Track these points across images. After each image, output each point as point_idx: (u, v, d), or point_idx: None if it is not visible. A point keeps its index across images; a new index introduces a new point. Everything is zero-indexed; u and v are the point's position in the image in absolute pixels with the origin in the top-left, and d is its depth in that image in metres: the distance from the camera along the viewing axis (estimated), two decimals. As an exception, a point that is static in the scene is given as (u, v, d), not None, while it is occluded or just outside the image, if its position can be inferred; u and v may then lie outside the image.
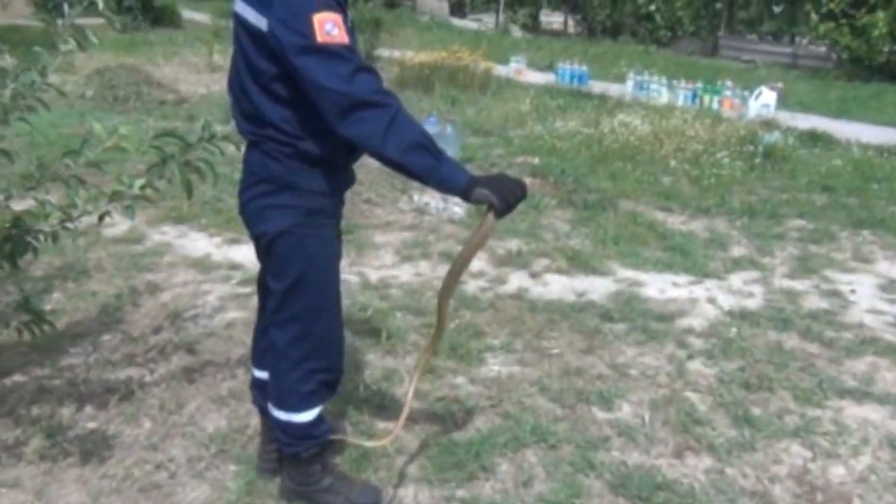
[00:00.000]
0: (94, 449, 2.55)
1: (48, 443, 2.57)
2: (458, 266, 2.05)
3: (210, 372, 3.04)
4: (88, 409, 2.77)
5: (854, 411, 2.90)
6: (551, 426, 2.72)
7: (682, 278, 4.13)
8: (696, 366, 3.18)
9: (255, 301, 3.61)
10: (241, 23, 1.90)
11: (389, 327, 3.41)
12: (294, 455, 2.22)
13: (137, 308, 3.59)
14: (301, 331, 2.07)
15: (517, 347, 3.29)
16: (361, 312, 3.56)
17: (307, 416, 2.16)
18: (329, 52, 1.76)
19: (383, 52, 11.51)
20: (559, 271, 4.17)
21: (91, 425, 2.69)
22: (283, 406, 2.16)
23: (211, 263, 4.11)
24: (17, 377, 2.95)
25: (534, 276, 4.10)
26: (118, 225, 4.56)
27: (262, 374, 2.32)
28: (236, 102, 2.00)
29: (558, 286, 3.97)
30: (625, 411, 2.84)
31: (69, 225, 2.28)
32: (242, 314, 3.53)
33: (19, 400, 2.79)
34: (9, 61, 2.24)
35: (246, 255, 4.24)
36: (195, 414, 2.77)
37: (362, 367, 3.09)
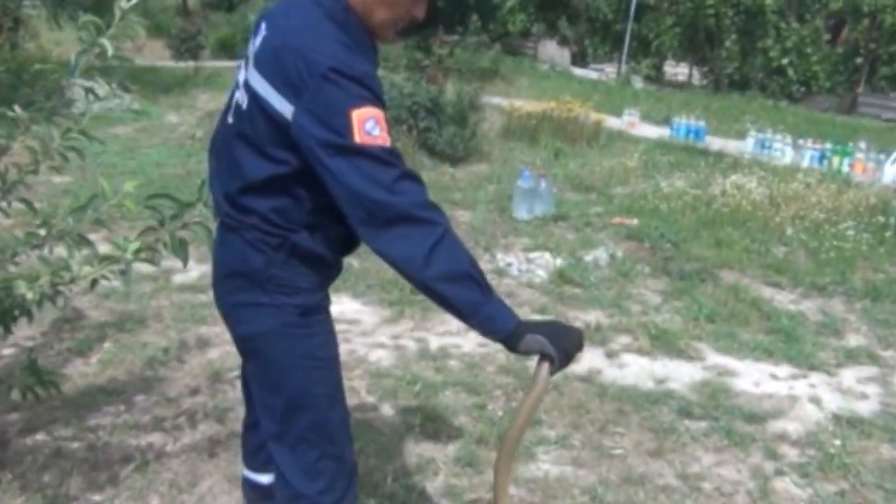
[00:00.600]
0: (91, 527, 2.36)
1: (47, 515, 2.41)
2: (514, 435, 1.68)
3: (234, 446, 2.81)
4: (100, 479, 2.60)
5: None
6: (596, 549, 2.32)
7: (784, 369, 3.60)
8: (784, 484, 2.69)
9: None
10: (254, 98, 1.60)
11: (436, 406, 3.10)
12: None
13: (182, 365, 3.44)
14: (316, 455, 1.73)
15: (575, 443, 2.90)
16: (409, 386, 3.26)
17: None
18: (369, 155, 1.48)
19: (492, 100, 11.35)
20: (640, 351, 3.74)
21: (97, 498, 2.51)
22: None
23: (268, 319, 3.93)
24: (40, 436, 2.82)
25: (610, 355, 3.69)
26: (190, 272, 4.49)
27: (256, 477, 2.04)
28: (218, 176, 1.72)
29: (636, 369, 3.55)
30: (688, 537, 2.40)
31: (61, 289, 2.12)
32: (285, 379, 3.31)
33: (33, 463, 2.65)
34: (19, 112, 2.12)
35: (306, 312, 4.06)
36: (206, 495, 2.55)
37: (395, 454, 2.78)
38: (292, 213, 1.62)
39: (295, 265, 1.64)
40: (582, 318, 4.08)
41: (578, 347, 1.62)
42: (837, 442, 2.94)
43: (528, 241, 5.33)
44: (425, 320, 4.01)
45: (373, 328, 3.83)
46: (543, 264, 4.89)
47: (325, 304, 1.76)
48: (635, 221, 5.79)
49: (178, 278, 4.36)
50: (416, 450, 2.83)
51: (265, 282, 1.63)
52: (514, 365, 3.46)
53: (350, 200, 1.50)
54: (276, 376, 1.70)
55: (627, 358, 3.67)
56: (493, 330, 1.54)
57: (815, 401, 3.30)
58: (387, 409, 3.10)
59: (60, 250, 2.24)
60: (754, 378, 3.50)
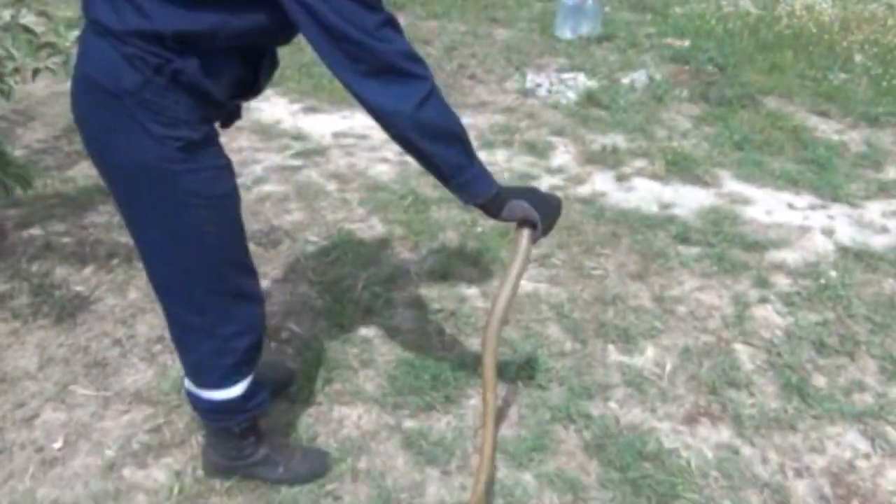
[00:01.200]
0: (69, 314, 2.47)
1: (30, 301, 2.53)
2: (500, 313, 1.60)
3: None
4: (85, 272, 2.70)
5: (956, 400, 2.22)
6: (548, 362, 2.30)
7: (804, 199, 3.39)
8: (765, 312, 2.58)
9: (302, 176, 3.41)
10: None
11: (424, 220, 3.06)
12: (223, 430, 1.82)
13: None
14: (204, 293, 1.60)
15: (556, 262, 2.83)
16: (402, 200, 3.22)
17: (235, 390, 1.73)
18: None
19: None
20: (653, 176, 3.56)
21: (79, 288, 2.61)
22: (202, 384, 1.73)
23: (276, 131, 3.90)
24: (35, 230, 2.93)
25: (620, 178, 3.53)
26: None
27: None
28: None
29: (643, 194, 3.39)
30: (647, 357, 2.35)
31: (7, 80, 2.09)
32: (280, 188, 3.31)
33: (23, 254, 2.77)
34: None
35: (316, 124, 4.00)
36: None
37: (371, 263, 2.78)
38: (194, 39, 1.36)
39: (174, 93, 1.39)
40: (600, 140, 3.89)
41: (558, 215, 1.61)
42: (835, 273, 2.78)
43: (564, 62, 5.05)
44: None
45: (380, 144, 3.75)
46: (574, 86, 4.64)
47: (212, 136, 1.51)
48: (686, 43, 5.39)
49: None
50: (394, 260, 2.82)
51: (135, 106, 1.38)
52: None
53: (327, 42, 1.33)
54: (153, 215, 1.50)
55: (637, 182, 3.51)
56: (473, 194, 1.49)
57: (828, 232, 3.10)
58: (374, 221, 3.08)
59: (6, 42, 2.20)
60: (768, 206, 3.31)
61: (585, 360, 2.32)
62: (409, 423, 2.08)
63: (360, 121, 4.02)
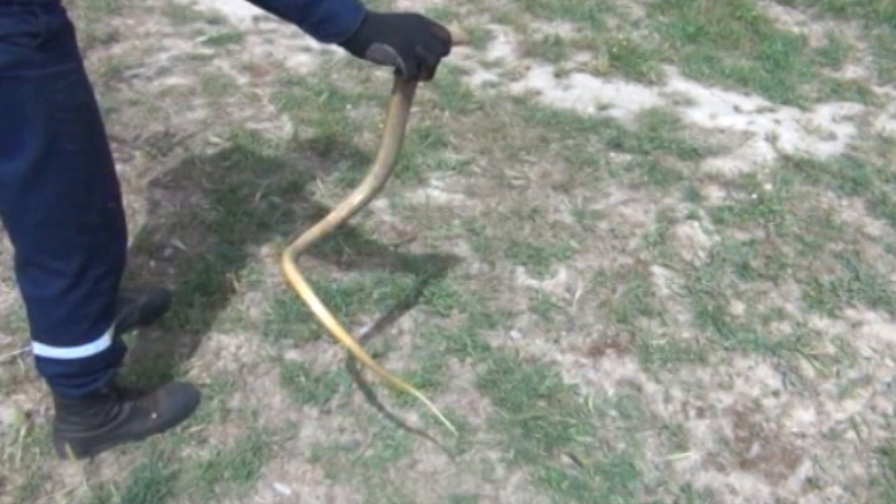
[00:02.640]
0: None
1: None
2: (375, 180, 1.47)
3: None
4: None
5: (877, 331, 2.10)
6: (451, 285, 2.13)
7: (752, 101, 3.17)
8: (690, 230, 2.41)
9: (211, 67, 3.11)
10: None
11: (339, 120, 2.82)
12: (89, 395, 1.57)
13: (84, 59, 3.15)
14: (71, 230, 1.36)
15: (475, 170, 2.62)
16: (317, 97, 2.95)
17: (104, 341, 1.51)
18: None
19: None
20: (595, 72, 3.30)
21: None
22: (63, 341, 1.48)
23: (190, 14, 3.55)
24: None
25: (559, 74, 3.27)
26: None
27: None
28: None
29: (580, 92, 3.15)
30: (558, 280, 2.19)
31: None
32: (185, 81, 3.02)
33: None
34: None
35: (236, 6, 3.65)
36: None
37: (274, 169, 2.56)
38: None
39: None
40: (544, 30, 3.60)
41: (440, 52, 1.33)
42: (770, 186, 2.60)
43: (516, -63, 4.63)
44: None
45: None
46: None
47: (70, 25, 1.26)
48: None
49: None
50: (300, 166, 2.60)
51: None
52: (444, 81, 3.09)
53: None
54: (9, 132, 1.23)
55: (577, 78, 3.26)
56: (330, 33, 1.27)
57: (772, 139, 2.91)
58: (284, 120, 2.83)
59: None
60: (713, 109, 3.08)
61: (491, 283, 2.16)
62: (291, 355, 1.93)
63: (284, 3, 3.67)
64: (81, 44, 3.11)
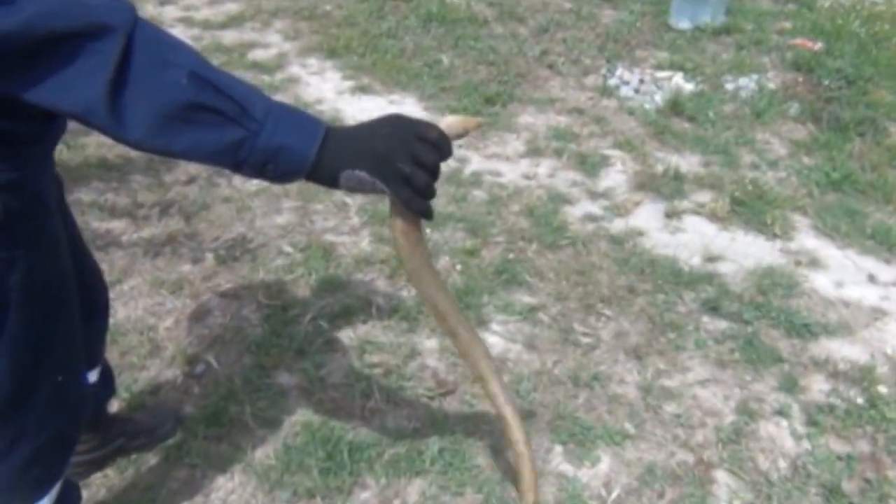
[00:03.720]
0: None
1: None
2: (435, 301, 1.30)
3: (181, 248, 2.64)
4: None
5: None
6: (474, 457, 1.91)
7: (891, 271, 2.74)
8: (775, 429, 2.05)
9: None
10: None
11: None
12: None
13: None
14: (4, 409, 1.23)
15: (544, 319, 2.39)
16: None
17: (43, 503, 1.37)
18: None
19: None
20: (711, 216, 3.00)
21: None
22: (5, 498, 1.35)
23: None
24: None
25: (670, 214, 3.00)
26: (270, 48, 4.25)
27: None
28: None
29: (690, 238, 2.85)
30: (597, 471, 1.90)
31: None
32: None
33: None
34: None
35: (357, 108, 3.68)
36: (127, 293, 2.41)
37: (325, 293, 2.46)
38: None
39: None
40: (667, 161, 3.34)
41: (432, 159, 1.01)
42: (886, 389, 2.19)
43: (665, 57, 4.43)
44: (484, 138, 3.48)
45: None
46: (667, 87, 4.05)
47: (41, 206, 1.16)
48: (818, 45, 4.60)
49: (258, 54, 4.11)
50: (360, 291, 2.49)
51: None
52: (541, 209, 2.91)
53: None
54: None
55: (689, 221, 2.97)
56: (281, 173, 0.96)
57: (907, 323, 2.48)
58: (364, 236, 2.74)
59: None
60: (841, 276, 2.69)
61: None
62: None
63: (407, 109, 3.67)
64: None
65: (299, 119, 0.96)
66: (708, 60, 4.39)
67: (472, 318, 2.35)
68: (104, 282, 1.63)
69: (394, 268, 2.57)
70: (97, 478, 1.80)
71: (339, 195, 2.97)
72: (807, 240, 2.89)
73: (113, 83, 0.85)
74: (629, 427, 2.02)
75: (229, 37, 4.37)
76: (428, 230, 2.77)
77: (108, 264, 2.51)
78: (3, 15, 0.82)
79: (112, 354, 2.05)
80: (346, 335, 2.29)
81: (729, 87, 4.11)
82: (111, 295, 2.35)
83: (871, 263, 2.77)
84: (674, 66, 4.28)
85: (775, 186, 3.20)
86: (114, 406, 1.97)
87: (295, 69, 4.06)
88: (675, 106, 3.82)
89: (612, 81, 4.12)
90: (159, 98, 0.88)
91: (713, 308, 2.47)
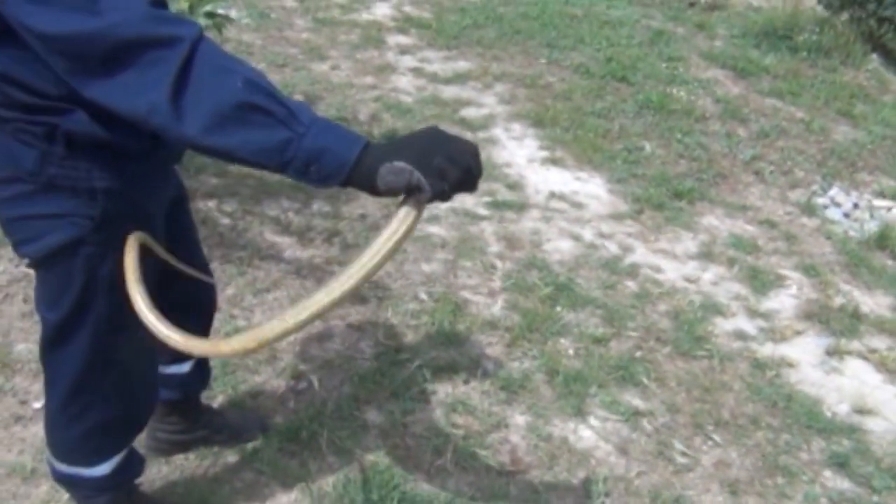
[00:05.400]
0: None
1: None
2: (358, 274, 1.12)
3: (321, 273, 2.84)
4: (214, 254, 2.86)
5: None
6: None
7: None
8: None
9: (475, 227, 3.21)
10: None
11: (549, 316, 2.70)
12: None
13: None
14: (82, 376, 1.44)
15: (646, 426, 2.29)
16: (544, 287, 2.86)
17: (101, 469, 1.58)
18: None
19: None
20: (879, 365, 2.69)
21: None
22: (63, 458, 1.57)
23: (496, 175, 3.73)
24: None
25: (832, 353, 2.74)
26: (483, 108, 4.45)
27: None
28: None
29: (846, 384, 2.58)
30: None
31: None
32: (443, 233, 3.16)
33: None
34: None
35: (542, 179, 3.74)
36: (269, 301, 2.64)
37: (437, 347, 2.53)
38: (46, 83, 1.13)
39: (79, 160, 1.22)
40: (850, 293, 3.06)
41: (465, 164, 1.06)
42: None
43: (892, 185, 4.06)
44: (660, 232, 3.41)
45: (591, 218, 3.39)
46: (882, 218, 3.72)
47: (139, 214, 1.34)
48: None
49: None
50: (474, 353, 2.53)
51: (48, 186, 1.23)
52: (690, 316, 2.79)
53: (42, 44, 1.04)
54: (57, 292, 1.35)
55: (851, 365, 2.69)
56: (325, 175, 1.04)
57: None
58: (499, 301, 2.79)
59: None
60: None
61: None
62: None
63: (591, 188, 3.68)
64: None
65: (343, 129, 1.07)
66: (946, 195, 3.96)
67: (573, 406, 2.31)
68: (212, 284, 1.81)
69: (515, 336, 2.59)
70: (179, 458, 1.99)
71: (490, 257, 3.04)
72: None
73: (176, 84, 1.00)
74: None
75: (449, 91, 4.63)
76: (558, 308, 2.76)
77: (265, 273, 2.76)
78: (90, 20, 1.00)
79: (230, 353, 2.26)
80: (444, 390, 2.34)
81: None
82: (255, 301, 2.62)
83: None
84: (900, 196, 3.92)
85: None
86: (217, 400, 2.18)
87: (498, 131, 4.21)
88: (883, 239, 3.49)
89: (821, 200, 3.85)
90: (216, 98, 1.01)
91: (841, 464, 2.22)
